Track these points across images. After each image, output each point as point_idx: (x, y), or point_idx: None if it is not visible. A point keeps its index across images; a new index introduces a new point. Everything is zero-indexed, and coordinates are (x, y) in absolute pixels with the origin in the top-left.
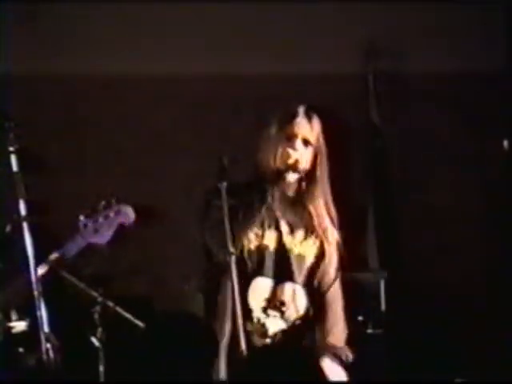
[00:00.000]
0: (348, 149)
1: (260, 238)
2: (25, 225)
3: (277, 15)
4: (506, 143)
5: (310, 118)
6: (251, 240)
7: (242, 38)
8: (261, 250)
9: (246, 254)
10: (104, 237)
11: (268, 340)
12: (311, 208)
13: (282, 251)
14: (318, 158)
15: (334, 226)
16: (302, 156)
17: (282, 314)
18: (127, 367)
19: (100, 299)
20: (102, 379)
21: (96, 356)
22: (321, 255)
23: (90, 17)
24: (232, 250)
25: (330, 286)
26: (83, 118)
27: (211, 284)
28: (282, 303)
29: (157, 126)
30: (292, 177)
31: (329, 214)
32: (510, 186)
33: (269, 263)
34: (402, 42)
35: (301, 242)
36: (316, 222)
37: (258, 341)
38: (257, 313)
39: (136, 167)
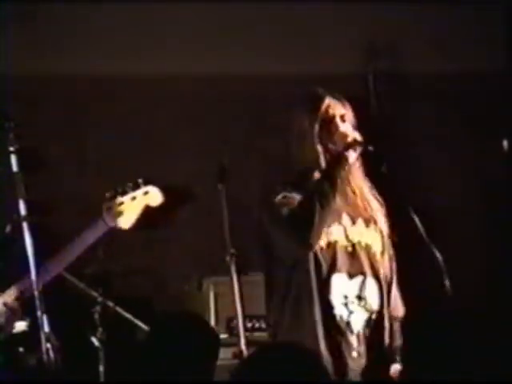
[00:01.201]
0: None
1: (327, 233)
2: (25, 225)
3: (277, 15)
4: (505, 143)
5: (336, 97)
6: (321, 237)
7: (241, 38)
8: (331, 245)
9: (318, 253)
10: (128, 220)
11: (354, 337)
12: (357, 191)
13: (349, 245)
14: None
15: (383, 212)
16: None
17: (360, 308)
18: (127, 367)
19: (100, 299)
20: (102, 379)
21: (96, 356)
22: (383, 242)
23: (90, 17)
24: (232, 250)
25: (393, 274)
26: (83, 118)
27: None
28: (359, 298)
29: (157, 125)
30: (353, 156)
31: (376, 199)
32: (510, 186)
33: (340, 258)
34: (402, 42)
35: (364, 232)
36: (365, 208)
37: (343, 338)
38: (338, 310)
39: (136, 167)
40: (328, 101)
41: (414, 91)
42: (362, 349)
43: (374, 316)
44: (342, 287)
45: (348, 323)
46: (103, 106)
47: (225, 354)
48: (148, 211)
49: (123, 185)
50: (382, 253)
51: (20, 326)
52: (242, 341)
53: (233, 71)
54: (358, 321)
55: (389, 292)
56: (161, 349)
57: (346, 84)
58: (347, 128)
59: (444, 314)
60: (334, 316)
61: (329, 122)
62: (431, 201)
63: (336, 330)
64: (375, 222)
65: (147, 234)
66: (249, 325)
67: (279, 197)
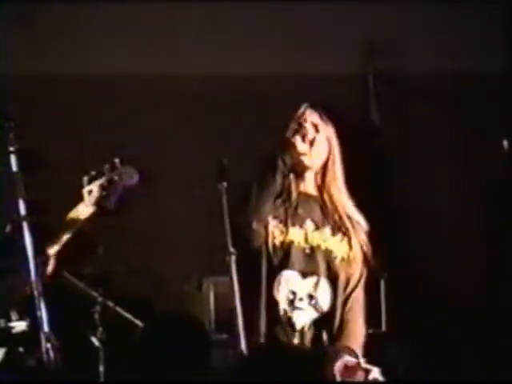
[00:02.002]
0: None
1: (285, 234)
2: (25, 225)
3: (277, 15)
4: (505, 143)
5: (316, 108)
6: (276, 236)
7: (242, 38)
8: (286, 244)
9: (270, 249)
10: (109, 203)
11: (295, 333)
12: (332, 204)
13: (307, 246)
14: (332, 149)
15: (357, 223)
16: (314, 140)
17: (309, 307)
18: (127, 367)
19: (100, 299)
20: (102, 379)
21: (96, 356)
22: (348, 252)
23: (90, 17)
24: (232, 250)
25: (356, 285)
26: (83, 118)
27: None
28: (310, 296)
29: (157, 125)
30: (307, 161)
31: (347, 208)
32: (510, 186)
33: (295, 257)
34: (402, 42)
35: (328, 238)
36: (339, 219)
37: (284, 333)
38: (283, 305)
39: (136, 167)
40: (305, 109)
41: (414, 91)
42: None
43: (323, 316)
44: (291, 284)
45: (290, 319)
46: (103, 106)
47: (225, 354)
48: (126, 192)
49: (100, 167)
50: (345, 261)
51: (20, 326)
52: (242, 341)
53: (233, 71)
54: (303, 318)
55: (346, 299)
56: (161, 349)
57: (346, 84)
58: (309, 135)
59: (444, 313)
60: (277, 311)
61: (298, 128)
62: (431, 201)
63: (278, 325)
64: (346, 235)
65: (147, 233)
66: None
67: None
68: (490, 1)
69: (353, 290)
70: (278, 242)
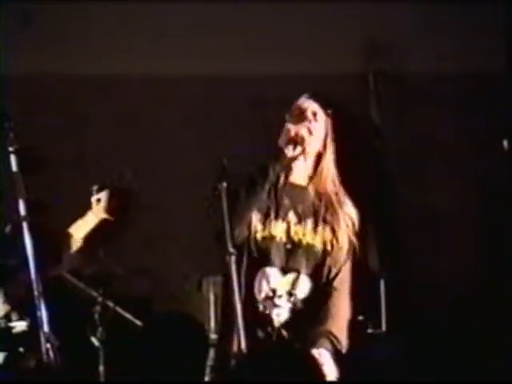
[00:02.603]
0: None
1: (267, 228)
2: (25, 225)
3: (277, 15)
4: (505, 143)
5: (317, 98)
6: (258, 230)
7: (241, 38)
8: (268, 240)
9: (252, 245)
10: (115, 211)
11: (273, 331)
12: (321, 194)
13: (289, 242)
14: (328, 137)
15: (346, 211)
16: (312, 128)
17: (288, 304)
18: (127, 367)
19: (100, 299)
20: (102, 379)
21: (96, 356)
22: (331, 245)
23: (90, 17)
24: (232, 250)
25: (338, 272)
26: (83, 118)
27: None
28: (290, 294)
29: (157, 126)
30: (292, 152)
31: (338, 200)
32: (510, 186)
33: (276, 253)
34: (402, 42)
35: (310, 232)
36: (326, 209)
37: (262, 331)
38: (263, 303)
39: (136, 167)
40: (304, 99)
41: (414, 91)
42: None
43: (302, 313)
44: (271, 281)
45: (269, 317)
46: (103, 106)
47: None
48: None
49: (109, 177)
50: (328, 254)
51: (20, 326)
52: (242, 341)
53: (233, 71)
54: (282, 316)
55: (329, 285)
56: (160, 349)
57: (346, 84)
58: (305, 123)
59: (443, 314)
60: (256, 308)
61: (299, 113)
62: (431, 201)
63: (257, 322)
64: (331, 227)
65: (147, 233)
66: None
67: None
68: (489, 1)
69: (336, 276)
70: (259, 236)
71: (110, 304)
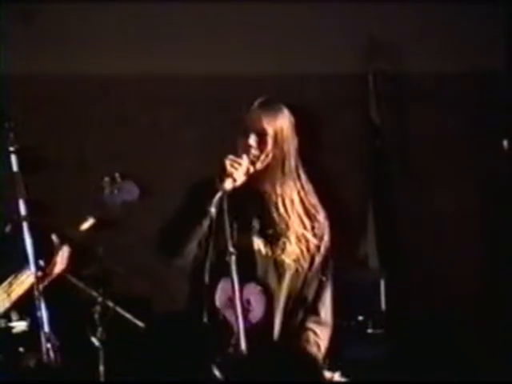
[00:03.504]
0: (321, 143)
1: (230, 238)
2: (25, 225)
3: (277, 15)
4: (505, 143)
5: (263, 106)
6: (220, 241)
7: (241, 38)
8: (229, 250)
9: (214, 257)
10: (108, 216)
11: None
12: (285, 203)
13: (249, 252)
14: (284, 143)
15: (316, 223)
16: (255, 153)
17: (246, 314)
18: (127, 367)
19: (100, 299)
20: (102, 379)
21: (96, 356)
22: (303, 258)
23: (90, 17)
24: (232, 250)
25: (315, 293)
26: (83, 118)
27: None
28: (248, 302)
29: (157, 125)
30: (246, 161)
31: (306, 211)
32: (510, 186)
33: (236, 263)
34: (402, 42)
35: (271, 242)
36: (294, 222)
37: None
38: (223, 312)
39: (136, 167)
40: (253, 112)
41: (414, 91)
42: None
43: (256, 325)
44: (230, 291)
45: (229, 325)
46: (103, 106)
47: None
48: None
49: (100, 180)
50: (285, 266)
51: (20, 326)
52: (242, 341)
53: (233, 71)
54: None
55: (281, 307)
56: (161, 349)
57: (346, 84)
58: (252, 146)
59: (443, 314)
60: (218, 318)
61: (244, 135)
62: (431, 201)
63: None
64: (291, 237)
65: (147, 233)
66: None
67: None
68: (489, 1)
69: (304, 282)
70: (222, 247)
71: (110, 304)
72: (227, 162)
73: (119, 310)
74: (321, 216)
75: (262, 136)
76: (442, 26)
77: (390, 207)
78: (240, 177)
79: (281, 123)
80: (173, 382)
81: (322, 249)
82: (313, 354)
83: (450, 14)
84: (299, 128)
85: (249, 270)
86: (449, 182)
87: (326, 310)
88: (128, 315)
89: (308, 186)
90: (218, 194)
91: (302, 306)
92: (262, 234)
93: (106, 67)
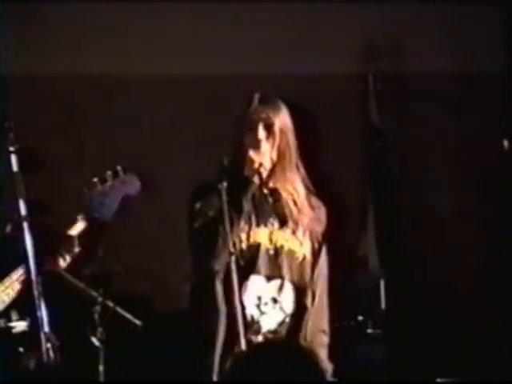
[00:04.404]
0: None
1: (251, 236)
2: (25, 225)
3: (277, 15)
4: (506, 143)
5: (267, 101)
6: (242, 239)
7: (241, 38)
8: (252, 248)
9: (238, 254)
10: (110, 210)
11: (260, 338)
12: (293, 198)
13: (272, 248)
14: (287, 139)
15: (316, 216)
16: (265, 147)
17: (273, 310)
18: (127, 367)
19: (100, 299)
20: (102, 379)
21: (96, 356)
22: (310, 249)
23: (90, 17)
24: (232, 249)
25: (317, 281)
26: (83, 118)
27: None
28: (275, 300)
29: (157, 125)
30: (256, 157)
31: (310, 204)
32: (510, 186)
33: (261, 261)
34: (402, 42)
35: (290, 237)
36: (299, 214)
37: (251, 339)
38: (250, 310)
39: (136, 167)
40: (256, 105)
41: (413, 91)
42: None
43: (288, 319)
44: (257, 288)
45: (258, 323)
46: (103, 106)
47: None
48: (127, 200)
49: (102, 173)
50: (306, 260)
51: (20, 326)
52: (242, 341)
53: (233, 71)
54: (269, 322)
55: (308, 298)
56: (161, 349)
57: (346, 84)
58: (262, 141)
59: (443, 313)
60: (244, 316)
61: (250, 129)
62: (431, 201)
63: (245, 330)
64: (305, 230)
65: (147, 233)
66: None
67: (198, 205)
68: (489, 1)
69: (317, 280)
70: (244, 245)
71: (110, 304)
72: (252, 157)
73: (119, 309)
74: (321, 206)
75: (269, 128)
76: (442, 26)
77: (390, 207)
78: (266, 168)
79: (283, 115)
80: (173, 382)
81: (323, 238)
82: (313, 353)
83: (450, 14)
84: (299, 128)
85: (271, 268)
86: (449, 182)
87: (324, 295)
88: (128, 315)
89: (306, 178)
90: (250, 189)
91: (313, 299)
92: (281, 231)
93: (106, 67)
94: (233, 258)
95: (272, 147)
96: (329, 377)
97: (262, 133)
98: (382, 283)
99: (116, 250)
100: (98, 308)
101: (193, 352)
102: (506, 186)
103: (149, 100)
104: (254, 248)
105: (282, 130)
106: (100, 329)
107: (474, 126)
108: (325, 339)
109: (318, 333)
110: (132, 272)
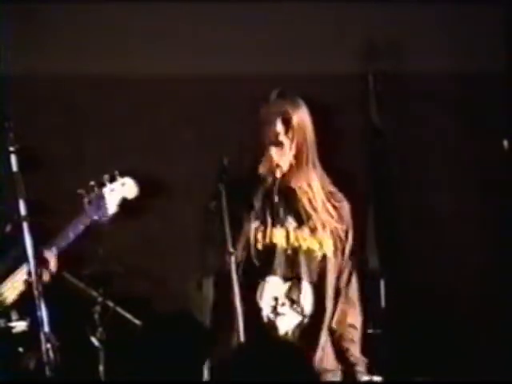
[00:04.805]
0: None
1: (267, 236)
2: (25, 225)
3: (277, 15)
4: (505, 143)
5: (286, 97)
6: (258, 239)
7: (241, 38)
8: (269, 248)
9: (253, 254)
10: (108, 212)
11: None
12: (308, 197)
13: (289, 248)
14: (306, 133)
15: (337, 213)
16: (284, 141)
17: (291, 311)
18: (127, 367)
19: (100, 299)
20: (102, 379)
21: (96, 356)
22: (332, 248)
23: (90, 17)
24: (232, 250)
25: (339, 275)
26: (83, 118)
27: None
28: (292, 301)
29: (157, 125)
30: (275, 152)
31: (329, 201)
32: (510, 186)
33: (277, 261)
34: (402, 42)
35: (308, 237)
36: (316, 213)
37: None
38: (267, 312)
39: (136, 167)
40: (273, 100)
41: (413, 91)
42: None
43: (306, 320)
44: (273, 289)
45: (274, 324)
46: (103, 106)
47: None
48: (124, 203)
49: (99, 177)
50: (326, 259)
51: (20, 326)
52: (242, 340)
53: (233, 71)
54: (286, 323)
55: (329, 298)
56: (161, 349)
57: (346, 84)
58: (278, 127)
59: (443, 314)
60: (261, 318)
61: (267, 123)
62: (431, 201)
63: (262, 333)
64: (325, 229)
65: (147, 233)
66: None
67: (212, 204)
68: (489, 1)
69: (338, 279)
70: (260, 246)
71: (110, 304)
72: (271, 155)
73: (119, 309)
74: (343, 203)
75: (287, 122)
76: (442, 26)
77: (390, 207)
78: (285, 165)
79: (302, 111)
80: (173, 382)
81: (350, 235)
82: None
83: (450, 14)
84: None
85: (288, 268)
86: (449, 182)
87: (353, 291)
88: (128, 315)
89: (324, 175)
90: (263, 187)
91: (338, 295)
92: (298, 230)
93: (106, 67)
94: (232, 259)
95: (291, 142)
96: (362, 370)
97: (280, 127)
98: (382, 283)
99: (116, 250)
100: (97, 308)
101: (192, 352)
102: (506, 186)
103: (149, 100)
104: (271, 248)
105: (300, 126)
106: (100, 329)
107: (474, 125)
108: (355, 334)
109: (347, 328)
110: (132, 272)
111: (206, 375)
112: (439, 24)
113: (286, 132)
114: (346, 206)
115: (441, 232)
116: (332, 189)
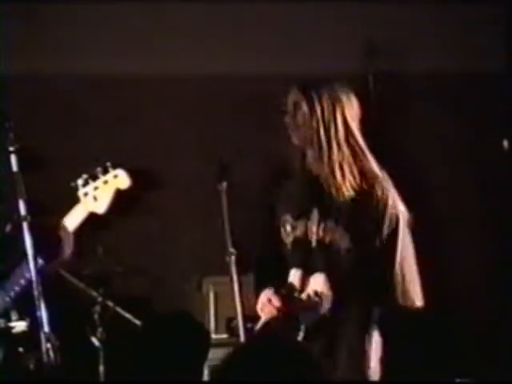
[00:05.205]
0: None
1: (295, 229)
2: (25, 225)
3: (277, 15)
4: (505, 143)
5: (306, 87)
6: (288, 232)
7: (241, 38)
8: (296, 240)
9: (283, 247)
10: (103, 204)
11: (301, 331)
12: (341, 189)
13: (313, 240)
14: (326, 121)
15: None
16: (303, 125)
17: (316, 305)
18: (127, 367)
19: (100, 299)
20: (102, 379)
21: (96, 356)
22: (356, 241)
23: (90, 17)
24: (232, 250)
25: (364, 269)
26: (83, 118)
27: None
28: (315, 294)
29: (157, 126)
30: (299, 168)
31: (354, 189)
32: (510, 186)
33: (302, 254)
34: (402, 42)
35: (332, 230)
36: (339, 203)
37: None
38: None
39: (136, 167)
40: (294, 92)
41: (413, 91)
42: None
43: (328, 313)
44: (297, 282)
45: (297, 317)
46: (103, 106)
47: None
48: (117, 195)
49: (92, 170)
50: (351, 252)
51: (20, 326)
52: (242, 338)
53: (233, 71)
54: (310, 315)
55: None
56: (160, 349)
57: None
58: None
59: (443, 313)
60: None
61: (287, 112)
62: (431, 201)
63: (285, 325)
64: (353, 221)
65: (147, 233)
66: (249, 325)
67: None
68: (490, 1)
69: (363, 272)
70: (289, 239)
71: (110, 304)
72: (294, 144)
73: (119, 310)
74: (374, 192)
75: (311, 104)
76: (442, 26)
77: None
78: (304, 159)
79: (319, 96)
80: (173, 382)
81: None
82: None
83: (450, 14)
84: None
85: (311, 261)
86: (449, 181)
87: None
88: (128, 315)
89: (353, 163)
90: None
91: (361, 287)
92: (322, 223)
93: (106, 67)
94: (232, 259)
95: (314, 124)
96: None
97: (295, 114)
98: None
99: (116, 250)
100: (97, 308)
101: (192, 352)
102: (506, 186)
103: (149, 100)
104: (296, 241)
105: (321, 107)
106: (100, 329)
107: (474, 125)
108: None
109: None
110: (132, 272)
111: (205, 375)
112: (439, 24)
113: (310, 111)
114: (376, 194)
115: (441, 232)
116: (368, 166)
